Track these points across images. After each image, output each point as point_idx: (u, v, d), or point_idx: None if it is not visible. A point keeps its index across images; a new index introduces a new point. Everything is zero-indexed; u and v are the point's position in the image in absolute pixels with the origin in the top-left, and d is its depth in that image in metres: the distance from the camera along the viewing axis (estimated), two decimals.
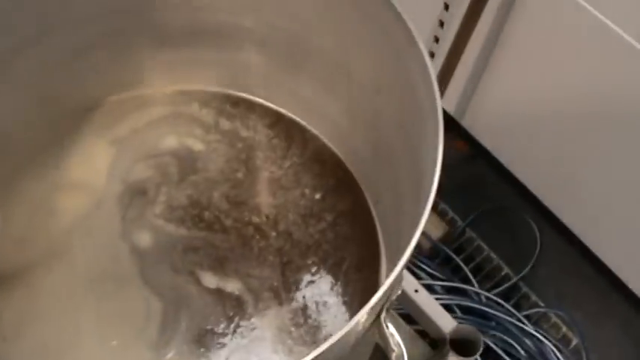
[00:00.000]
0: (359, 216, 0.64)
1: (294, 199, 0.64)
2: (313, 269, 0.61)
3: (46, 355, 0.55)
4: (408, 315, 0.80)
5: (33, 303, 0.57)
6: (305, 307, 0.59)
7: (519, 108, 0.99)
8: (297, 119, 0.69)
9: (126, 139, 0.66)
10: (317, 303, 0.59)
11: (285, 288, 0.59)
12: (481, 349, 0.73)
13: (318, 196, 0.65)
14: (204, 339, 0.56)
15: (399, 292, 0.48)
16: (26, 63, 0.60)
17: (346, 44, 0.59)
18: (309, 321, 0.58)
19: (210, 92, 0.69)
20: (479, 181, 1.14)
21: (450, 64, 0.99)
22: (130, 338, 0.56)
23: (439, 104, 0.46)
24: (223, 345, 0.56)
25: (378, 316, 0.45)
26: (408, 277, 0.79)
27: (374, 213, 0.65)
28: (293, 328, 0.58)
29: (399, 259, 0.40)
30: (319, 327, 0.58)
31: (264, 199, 0.64)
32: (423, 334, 0.74)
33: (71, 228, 0.60)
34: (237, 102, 0.69)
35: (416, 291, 0.77)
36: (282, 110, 0.69)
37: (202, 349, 0.56)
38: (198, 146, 0.66)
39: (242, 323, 0.57)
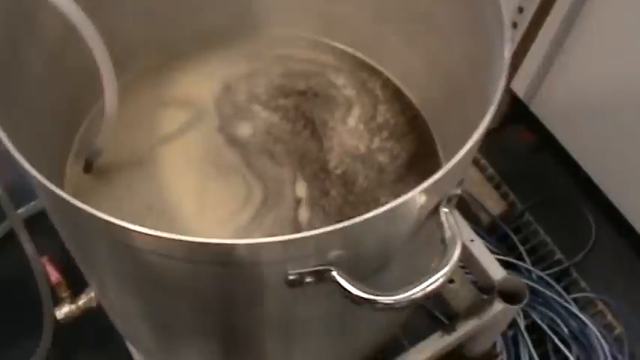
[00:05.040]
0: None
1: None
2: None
3: (149, 214, 0.63)
4: (462, 266, 0.84)
5: (141, 169, 0.66)
6: None
7: (592, 96, 1.01)
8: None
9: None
10: None
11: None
12: (526, 299, 0.76)
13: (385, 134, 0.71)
14: None
15: (459, 191, 0.51)
16: None
17: None
18: None
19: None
20: (542, 171, 1.17)
21: (528, 37, 1.02)
22: (224, 215, 0.63)
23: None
24: None
25: (438, 206, 0.49)
26: (465, 227, 0.84)
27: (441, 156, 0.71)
28: None
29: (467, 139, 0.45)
30: None
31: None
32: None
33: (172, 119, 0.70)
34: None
35: (472, 240, 0.82)
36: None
37: None
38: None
39: None
